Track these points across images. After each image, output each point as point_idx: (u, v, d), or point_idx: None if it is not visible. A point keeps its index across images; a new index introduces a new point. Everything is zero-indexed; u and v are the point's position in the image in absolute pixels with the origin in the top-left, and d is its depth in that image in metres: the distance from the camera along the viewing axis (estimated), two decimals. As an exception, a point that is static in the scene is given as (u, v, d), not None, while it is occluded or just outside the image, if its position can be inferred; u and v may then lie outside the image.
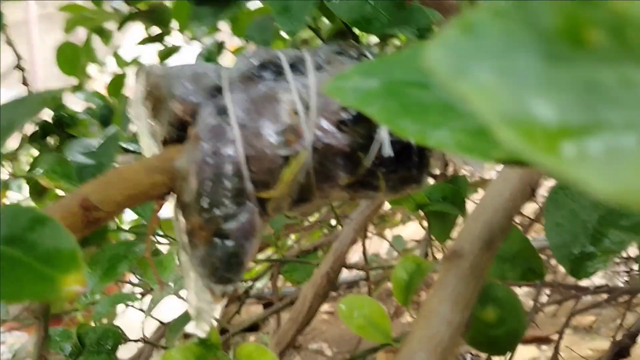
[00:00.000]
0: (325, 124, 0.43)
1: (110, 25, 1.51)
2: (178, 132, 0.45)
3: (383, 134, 0.43)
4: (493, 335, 0.42)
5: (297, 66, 0.45)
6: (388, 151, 0.44)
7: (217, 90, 0.44)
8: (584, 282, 1.54)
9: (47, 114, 0.80)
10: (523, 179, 0.43)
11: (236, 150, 0.41)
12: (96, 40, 1.59)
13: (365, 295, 0.46)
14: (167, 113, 0.45)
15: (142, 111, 0.49)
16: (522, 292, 1.57)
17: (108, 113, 0.94)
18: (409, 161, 0.44)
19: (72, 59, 1.56)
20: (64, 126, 0.82)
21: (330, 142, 0.43)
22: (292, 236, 1.15)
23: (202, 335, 0.43)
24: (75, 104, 1.29)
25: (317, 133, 0.42)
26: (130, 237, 0.76)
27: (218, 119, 0.43)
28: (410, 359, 0.36)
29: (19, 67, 0.75)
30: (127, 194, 0.45)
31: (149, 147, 0.50)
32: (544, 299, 1.44)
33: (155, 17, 1.30)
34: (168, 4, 1.28)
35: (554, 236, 0.49)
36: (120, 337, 0.58)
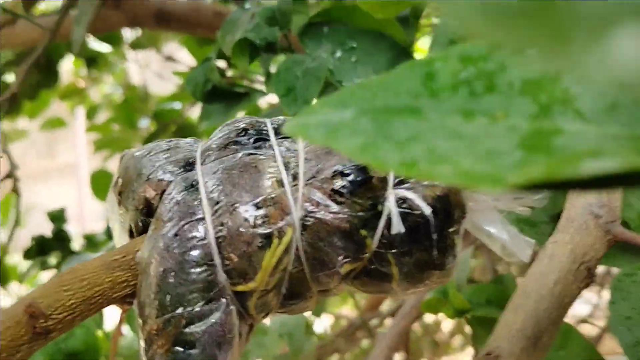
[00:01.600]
0: (317, 195, 0.34)
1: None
2: (146, 219, 0.37)
3: (391, 205, 0.35)
4: None
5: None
6: (398, 227, 0.35)
7: (190, 164, 0.36)
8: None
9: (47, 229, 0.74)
10: (574, 256, 0.33)
11: (205, 231, 0.33)
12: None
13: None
14: (133, 196, 0.38)
15: (113, 201, 0.42)
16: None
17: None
18: (427, 240, 0.35)
19: (105, 185, 1.54)
20: (65, 241, 0.76)
21: (324, 217, 0.34)
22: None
23: None
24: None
25: (308, 207, 0.34)
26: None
27: (184, 194, 0.35)
28: None
29: (10, 175, 0.70)
30: (82, 296, 0.37)
31: (121, 243, 0.42)
32: None
33: (183, 134, 1.27)
34: (194, 116, 1.25)
35: (624, 333, 0.38)
36: None
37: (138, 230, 0.38)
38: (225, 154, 0.35)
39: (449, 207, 0.36)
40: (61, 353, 0.59)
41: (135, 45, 1.12)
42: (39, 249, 0.74)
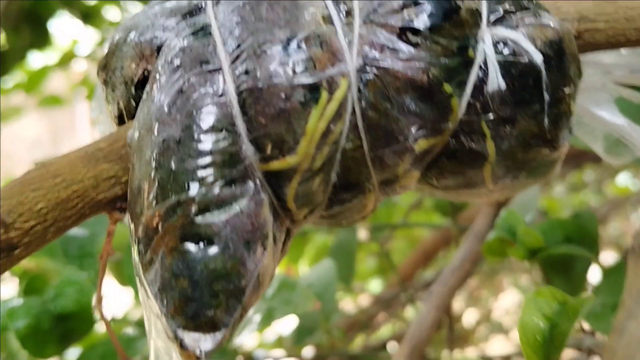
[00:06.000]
0: (380, 34, 0.24)
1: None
2: (140, 93, 0.27)
3: (487, 49, 0.24)
4: None
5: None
6: (497, 81, 0.24)
7: (198, 10, 0.26)
8: None
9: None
10: None
11: (223, 84, 0.23)
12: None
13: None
14: (122, 65, 0.28)
15: (100, 92, 0.32)
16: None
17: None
18: (537, 101, 0.25)
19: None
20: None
21: (391, 66, 0.24)
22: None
23: None
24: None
25: (368, 52, 0.24)
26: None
27: (191, 40, 0.24)
28: None
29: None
30: (55, 197, 0.27)
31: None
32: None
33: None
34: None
35: None
36: None
37: (130, 113, 0.28)
38: (247, -11, 0.25)
39: (563, 56, 0.25)
40: (49, 315, 0.49)
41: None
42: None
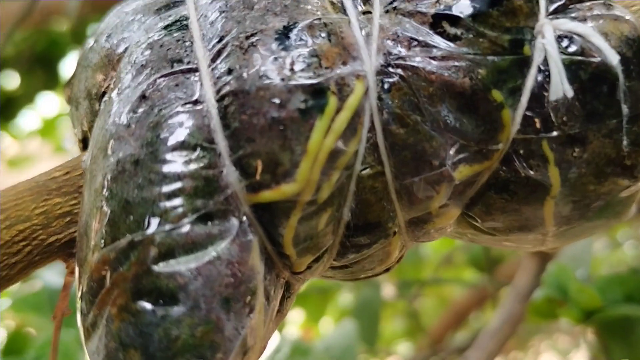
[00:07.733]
0: (409, 25, 0.18)
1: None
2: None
3: (548, 46, 0.19)
4: None
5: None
6: (563, 87, 0.18)
7: (176, 2, 0.21)
8: None
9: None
10: None
11: (200, 88, 0.17)
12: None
13: None
14: (86, 76, 0.22)
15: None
16: None
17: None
18: (613, 114, 0.19)
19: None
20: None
21: (422, 65, 0.18)
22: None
23: None
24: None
25: (392, 47, 0.18)
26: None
27: (162, 34, 0.19)
28: None
29: None
30: (-5, 240, 0.21)
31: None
32: None
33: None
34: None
35: None
36: None
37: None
38: (238, -26, 0.20)
39: (647, 58, 0.19)
40: (28, 381, 0.43)
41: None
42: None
